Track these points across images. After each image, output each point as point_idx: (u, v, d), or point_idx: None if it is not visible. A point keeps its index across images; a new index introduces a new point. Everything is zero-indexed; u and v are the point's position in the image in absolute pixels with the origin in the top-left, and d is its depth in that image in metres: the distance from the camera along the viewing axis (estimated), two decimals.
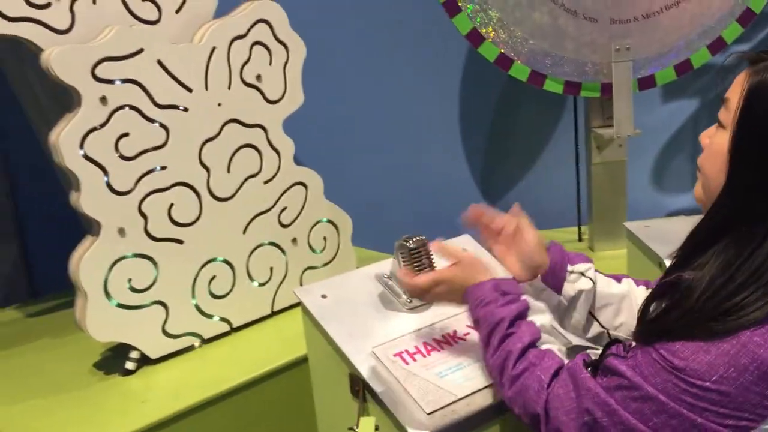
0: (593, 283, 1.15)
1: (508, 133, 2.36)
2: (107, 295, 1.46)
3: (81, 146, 1.39)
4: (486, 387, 1.12)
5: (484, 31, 1.82)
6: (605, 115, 2.02)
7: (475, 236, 1.42)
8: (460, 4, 1.81)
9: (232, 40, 1.59)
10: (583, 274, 1.15)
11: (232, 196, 1.63)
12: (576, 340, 1.20)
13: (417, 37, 2.23)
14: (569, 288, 1.15)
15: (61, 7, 1.41)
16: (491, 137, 2.37)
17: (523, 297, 1.09)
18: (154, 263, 1.52)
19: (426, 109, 2.30)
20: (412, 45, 2.24)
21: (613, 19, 1.88)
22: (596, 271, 1.18)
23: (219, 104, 1.59)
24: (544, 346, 1.04)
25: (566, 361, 1.00)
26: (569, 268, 1.16)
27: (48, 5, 1.39)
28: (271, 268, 1.72)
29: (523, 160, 2.38)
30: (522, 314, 1.06)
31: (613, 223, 2.03)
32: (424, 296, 1.17)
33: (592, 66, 1.91)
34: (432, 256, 1.27)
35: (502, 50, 1.85)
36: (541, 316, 1.08)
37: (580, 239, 2.19)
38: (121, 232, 1.47)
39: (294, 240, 1.75)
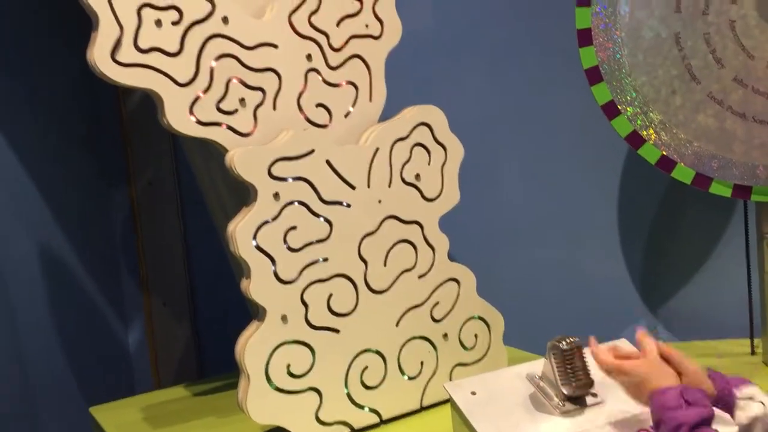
0: (764, 405, 1.09)
1: (672, 234, 2.26)
2: (267, 378, 1.54)
3: (254, 237, 1.52)
4: None
5: (644, 133, 1.80)
6: None
7: (633, 341, 1.37)
8: (619, 108, 1.81)
9: (395, 142, 1.69)
10: (752, 398, 1.10)
11: (387, 289, 1.69)
12: None
13: (575, 137, 2.24)
14: (741, 416, 1.09)
15: (246, 112, 1.58)
16: (653, 238, 2.28)
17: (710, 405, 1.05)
18: (312, 351, 1.59)
19: (584, 206, 2.28)
20: (570, 144, 2.25)
21: None
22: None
23: (379, 201, 1.68)
24: None
25: None
26: (737, 393, 1.10)
27: (235, 111, 1.57)
28: (422, 363, 1.73)
29: (688, 263, 2.26)
30: (706, 421, 1.02)
31: None
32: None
33: (764, 169, 1.82)
34: (586, 359, 1.24)
35: (664, 152, 1.81)
36: (727, 428, 1.04)
37: (753, 352, 2.02)
38: (284, 319, 1.56)
39: (445, 335, 1.76)
